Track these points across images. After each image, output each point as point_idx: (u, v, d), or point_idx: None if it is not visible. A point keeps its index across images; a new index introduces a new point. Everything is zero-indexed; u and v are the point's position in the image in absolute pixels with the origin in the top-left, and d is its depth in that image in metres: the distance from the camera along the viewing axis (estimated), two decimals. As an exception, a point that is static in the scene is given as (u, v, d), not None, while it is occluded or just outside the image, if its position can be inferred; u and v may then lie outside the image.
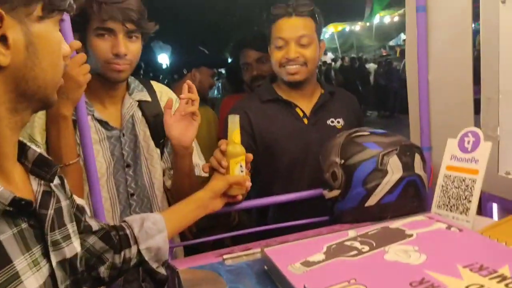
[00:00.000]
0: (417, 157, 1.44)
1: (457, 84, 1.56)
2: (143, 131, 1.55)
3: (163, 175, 1.62)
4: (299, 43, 1.69)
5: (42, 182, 0.82)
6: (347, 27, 21.13)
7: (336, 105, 1.85)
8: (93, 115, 1.46)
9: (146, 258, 1.12)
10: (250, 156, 1.39)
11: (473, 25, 1.51)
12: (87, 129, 1.31)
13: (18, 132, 0.76)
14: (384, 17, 20.20)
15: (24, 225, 0.72)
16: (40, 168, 0.82)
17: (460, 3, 1.51)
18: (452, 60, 1.58)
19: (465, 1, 1.49)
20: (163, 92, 1.63)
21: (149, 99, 1.58)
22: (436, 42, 1.63)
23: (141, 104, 1.56)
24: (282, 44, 1.71)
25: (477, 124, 1.48)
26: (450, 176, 1.29)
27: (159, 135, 1.57)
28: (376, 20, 18.84)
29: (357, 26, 20.78)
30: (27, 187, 0.80)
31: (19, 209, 0.70)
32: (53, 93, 0.78)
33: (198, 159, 1.61)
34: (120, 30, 1.38)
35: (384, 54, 18.62)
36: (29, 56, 0.71)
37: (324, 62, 15.46)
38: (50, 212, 0.79)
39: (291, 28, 1.70)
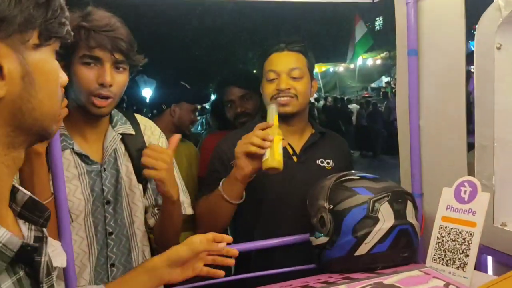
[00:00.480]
0: (409, 205, 1.39)
1: (450, 130, 1.52)
2: (125, 166, 1.47)
3: (146, 212, 1.53)
4: (290, 75, 1.70)
5: (33, 227, 0.75)
6: (330, 67, 21.59)
7: (327, 146, 1.82)
8: (72, 148, 1.38)
9: None
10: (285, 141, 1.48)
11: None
12: (60, 167, 1.22)
13: (15, 172, 0.70)
14: (367, 60, 20.74)
15: (21, 273, 0.66)
16: (31, 212, 0.74)
17: (453, 47, 1.49)
18: (445, 105, 1.54)
19: (458, 45, 1.47)
20: (147, 126, 1.57)
21: (132, 132, 1.51)
22: (428, 86, 1.59)
23: (124, 137, 1.49)
24: (273, 77, 1.71)
25: (470, 170, 1.43)
26: (446, 227, 1.23)
27: (142, 170, 1.48)
28: (359, 62, 19.31)
29: (341, 67, 21.25)
30: (18, 233, 0.72)
31: (19, 256, 0.64)
32: (51, 124, 0.72)
33: (183, 196, 1.54)
34: (108, 59, 1.32)
35: (366, 95, 18.98)
36: (26, 86, 0.65)
37: (307, 102, 15.63)
38: (44, 259, 0.72)
39: (283, 61, 1.72)
